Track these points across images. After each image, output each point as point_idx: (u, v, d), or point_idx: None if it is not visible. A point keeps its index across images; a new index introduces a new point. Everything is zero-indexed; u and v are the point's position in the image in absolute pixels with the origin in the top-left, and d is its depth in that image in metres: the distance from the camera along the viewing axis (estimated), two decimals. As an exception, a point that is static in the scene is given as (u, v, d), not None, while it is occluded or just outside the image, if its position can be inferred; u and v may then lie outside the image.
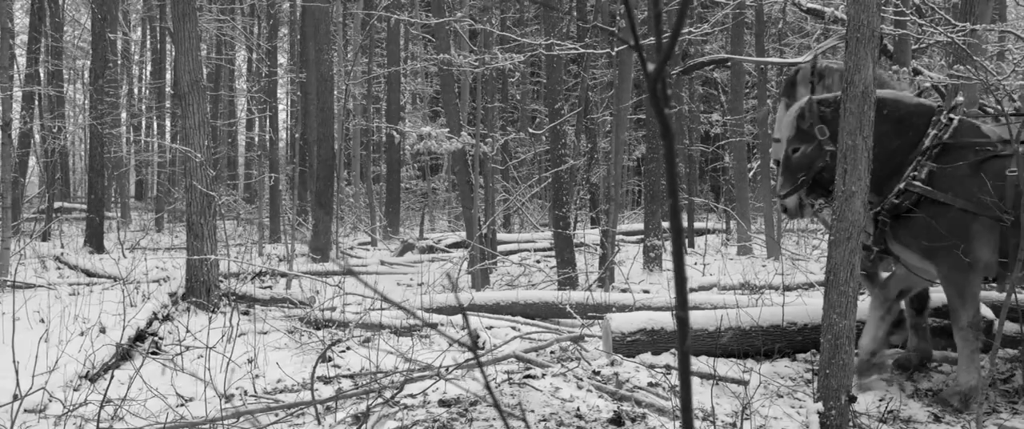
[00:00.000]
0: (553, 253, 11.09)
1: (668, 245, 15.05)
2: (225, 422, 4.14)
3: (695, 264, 11.54)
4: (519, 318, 6.84)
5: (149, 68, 25.42)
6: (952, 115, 4.55)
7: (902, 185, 4.41)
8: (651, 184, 11.99)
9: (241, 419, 4.19)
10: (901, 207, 4.42)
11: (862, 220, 3.66)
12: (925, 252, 4.44)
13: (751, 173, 17.73)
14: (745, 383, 4.72)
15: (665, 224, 12.24)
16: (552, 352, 5.66)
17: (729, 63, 13.67)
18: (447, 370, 4.72)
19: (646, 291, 8.70)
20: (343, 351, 5.68)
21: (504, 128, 17.77)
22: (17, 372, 4.19)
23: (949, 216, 4.34)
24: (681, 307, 0.66)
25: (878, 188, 4.41)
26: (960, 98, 4.76)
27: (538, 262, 12.36)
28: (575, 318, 6.82)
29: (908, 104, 4.64)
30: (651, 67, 0.60)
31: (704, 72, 19.37)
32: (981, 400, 4.03)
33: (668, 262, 12.52)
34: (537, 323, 6.76)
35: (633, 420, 4.28)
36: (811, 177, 4.59)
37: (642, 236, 12.54)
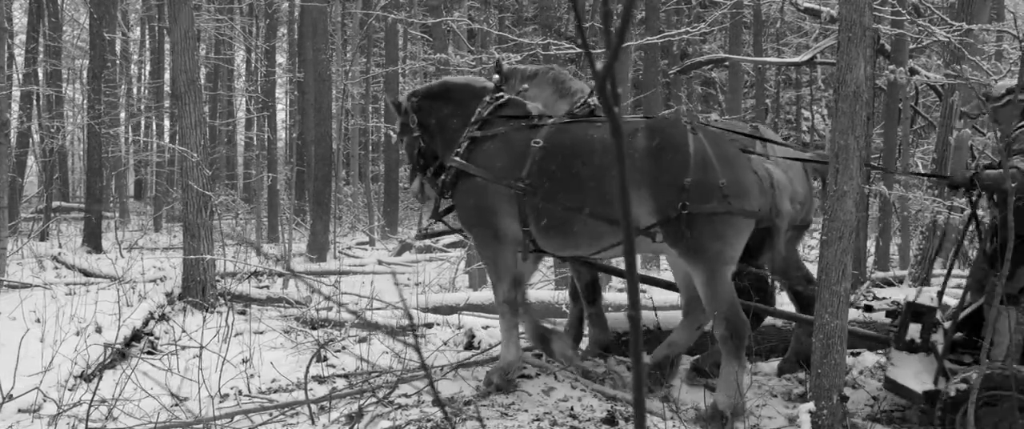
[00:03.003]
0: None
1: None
2: (219, 421, 4.15)
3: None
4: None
5: (148, 68, 25.41)
6: (500, 94, 4.80)
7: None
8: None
9: (235, 418, 4.20)
10: (446, 183, 4.67)
11: (854, 220, 3.67)
12: (463, 225, 4.81)
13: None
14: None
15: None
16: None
17: (727, 63, 13.68)
18: (441, 370, 4.73)
19: (643, 290, 8.69)
20: (339, 350, 5.69)
21: (502, 128, 17.71)
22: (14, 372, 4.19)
23: (476, 188, 4.54)
24: (633, 307, 0.67)
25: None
26: (522, 82, 4.99)
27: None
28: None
29: (474, 88, 4.97)
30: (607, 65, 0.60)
31: (702, 71, 19.37)
32: (516, 374, 4.48)
33: (665, 261, 12.51)
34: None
35: (627, 419, 4.28)
36: (418, 163, 5.02)
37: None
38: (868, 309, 5.01)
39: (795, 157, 4.91)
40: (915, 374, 4.08)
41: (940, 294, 4.50)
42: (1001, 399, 3.75)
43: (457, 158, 4.59)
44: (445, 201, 4.94)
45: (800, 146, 23.74)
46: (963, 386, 3.80)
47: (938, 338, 4.28)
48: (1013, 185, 3.89)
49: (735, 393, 4.14)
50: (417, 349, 0.73)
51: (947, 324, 4.29)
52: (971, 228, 4.54)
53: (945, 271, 4.71)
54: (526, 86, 4.97)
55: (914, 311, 4.33)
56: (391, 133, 15.75)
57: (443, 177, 4.68)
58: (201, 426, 4.01)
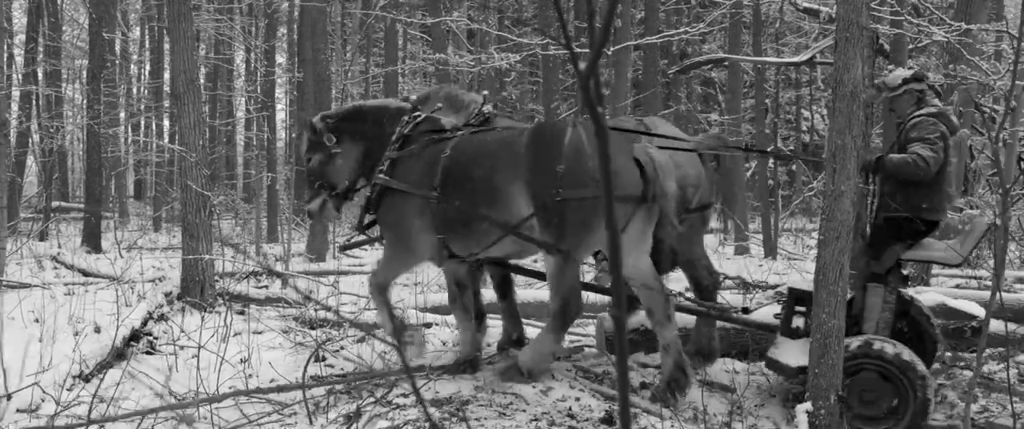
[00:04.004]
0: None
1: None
2: (217, 419, 4.15)
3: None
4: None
5: (148, 68, 25.40)
6: (417, 113, 5.17)
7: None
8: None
9: (235, 414, 4.20)
10: (371, 199, 5.05)
11: (851, 219, 3.67)
12: (384, 236, 5.19)
13: (749, 173, 17.72)
14: (732, 389, 4.74)
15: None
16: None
17: (726, 62, 13.68)
18: (439, 370, 4.73)
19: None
20: (337, 350, 5.69)
21: (502, 128, 17.72)
22: (4, 372, 4.19)
23: (396, 203, 4.92)
24: (618, 307, 0.67)
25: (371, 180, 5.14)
26: (436, 102, 5.31)
27: (536, 261, 12.35)
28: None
29: (390, 109, 5.29)
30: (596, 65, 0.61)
31: (702, 72, 19.37)
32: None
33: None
34: (533, 323, 6.76)
35: (624, 419, 4.28)
36: (328, 182, 5.25)
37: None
38: (746, 311, 5.19)
39: (679, 148, 4.96)
40: (793, 353, 4.35)
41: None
42: (864, 368, 4.07)
43: (381, 175, 4.94)
44: (369, 215, 5.27)
45: (800, 146, 23.73)
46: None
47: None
48: (916, 169, 4.25)
49: (540, 358, 4.62)
50: (400, 351, 0.73)
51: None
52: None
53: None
54: (440, 105, 5.30)
55: (796, 296, 4.59)
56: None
57: (369, 194, 5.05)
58: (193, 410, 4.01)
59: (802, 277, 4.66)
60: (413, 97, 5.40)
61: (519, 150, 4.56)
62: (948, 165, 4.45)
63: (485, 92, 5.74)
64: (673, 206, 4.41)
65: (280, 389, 4.55)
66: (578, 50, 10.58)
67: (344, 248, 5.87)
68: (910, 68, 4.84)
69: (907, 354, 4.08)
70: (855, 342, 4.10)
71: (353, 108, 5.46)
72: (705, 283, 5.17)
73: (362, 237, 5.48)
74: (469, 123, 5.09)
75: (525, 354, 4.67)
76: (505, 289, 5.51)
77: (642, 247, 4.54)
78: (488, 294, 6.79)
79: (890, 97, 4.62)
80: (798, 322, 4.59)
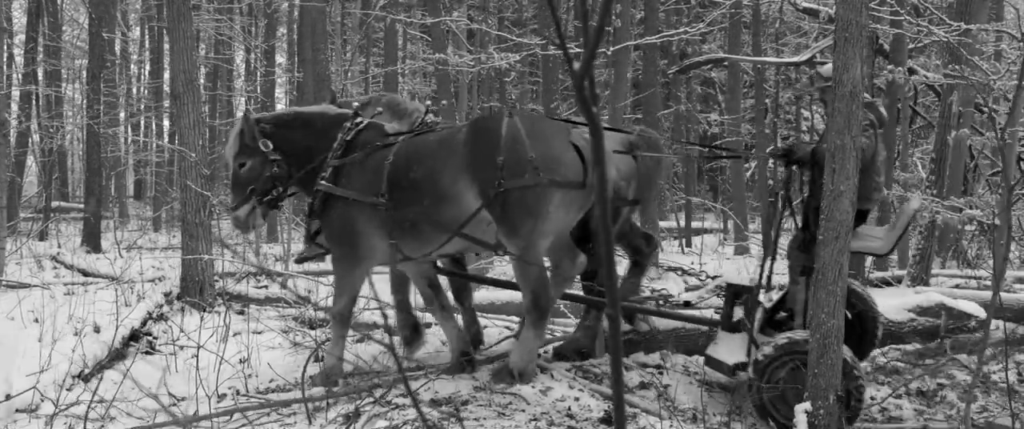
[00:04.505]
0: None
1: (665, 244, 15.05)
2: (217, 420, 4.15)
3: (692, 264, 11.53)
4: (513, 317, 6.84)
5: (148, 68, 25.39)
6: (359, 119, 5.04)
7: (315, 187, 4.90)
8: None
9: (233, 417, 4.20)
10: (314, 207, 4.91)
11: (850, 219, 3.67)
12: (330, 244, 5.06)
13: (748, 173, 17.73)
14: (732, 390, 4.75)
15: (662, 223, 12.24)
16: (545, 351, 5.66)
17: (726, 62, 13.68)
18: (436, 369, 4.73)
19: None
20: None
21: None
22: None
23: (342, 210, 4.83)
24: (612, 305, 0.67)
25: (308, 191, 5.02)
26: (376, 107, 5.26)
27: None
28: (569, 317, 6.82)
29: (330, 116, 5.15)
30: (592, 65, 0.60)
31: (702, 71, 19.37)
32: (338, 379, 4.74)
33: (662, 261, 12.51)
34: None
35: (624, 419, 4.28)
36: (260, 187, 5.04)
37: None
38: (687, 305, 5.28)
39: (610, 128, 5.12)
40: (730, 350, 4.44)
41: (761, 274, 4.79)
42: (795, 363, 4.10)
43: (324, 182, 4.84)
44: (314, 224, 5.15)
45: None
46: (769, 351, 4.15)
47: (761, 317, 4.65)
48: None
49: (529, 358, 4.59)
50: (392, 351, 0.73)
51: (769, 304, 4.73)
52: (785, 204, 4.83)
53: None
54: (380, 110, 5.24)
55: (734, 291, 4.66)
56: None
57: (311, 201, 4.91)
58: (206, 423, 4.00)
59: (737, 271, 4.77)
60: (355, 103, 5.33)
61: (458, 146, 4.58)
62: (878, 155, 4.59)
63: (428, 102, 5.77)
64: (610, 191, 4.48)
65: (272, 404, 4.55)
66: (579, 50, 10.60)
67: (301, 260, 5.71)
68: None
69: (849, 355, 4.07)
70: (782, 339, 4.19)
71: (290, 113, 5.31)
72: (644, 248, 5.28)
73: (318, 248, 5.34)
74: (412, 130, 5.06)
75: (515, 356, 4.66)
76: (462, 293, 5.52)
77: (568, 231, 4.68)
78: (487, 294, 6.80)
79: (822, 87, 4.75)
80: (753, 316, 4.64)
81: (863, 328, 4.83)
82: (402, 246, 4.78)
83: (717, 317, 4.83)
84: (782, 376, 4.13)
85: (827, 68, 4.76)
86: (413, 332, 5.50)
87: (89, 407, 4.11)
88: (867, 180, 4.50)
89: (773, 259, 4.69)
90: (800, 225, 4.74)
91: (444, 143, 4.67)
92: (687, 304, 5.26)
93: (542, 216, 4.41)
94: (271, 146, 5.00)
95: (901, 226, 4.54)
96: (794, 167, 4.69)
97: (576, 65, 0.62)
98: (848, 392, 3.92)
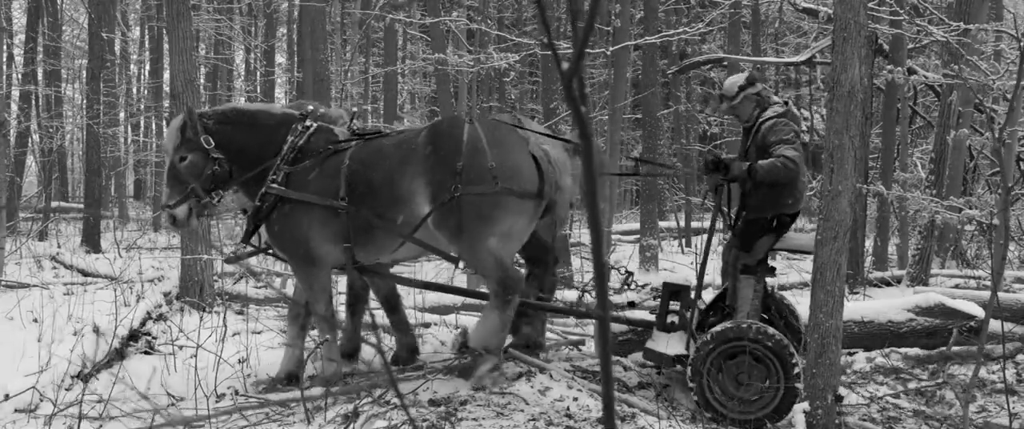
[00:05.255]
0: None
1: (664, 244, 15.06)
2: (216, 420, 4.15)
3: (690, 264, 11.54)
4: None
5: (148, 67, 25.40)
6: (309, 123, 4.83)
7: (263, 189, 4.67)
8: (647, 183, 11.99)
9: (232, 416, 4.20)
10: (263, 211, 4.69)
11: (848, 219, 3.67)
12: (281, 250, 4.81)
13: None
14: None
15: (662, 223, 12.24)
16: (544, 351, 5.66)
17: (725, 62, 13.67)
18: (435, 369, 4.73)
19: (641, 289, 8.69)
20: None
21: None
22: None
23: (295, 215, 4.65)
24: (602, 307, 0.67)
25: (252, 195, 4.79)
26: (316, 108, 5.11)
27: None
28: (568, 317, 6.82)
29: (276, 115, 4.95)
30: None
31: (701, 71, 19.36)
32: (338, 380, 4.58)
33: (665, 261, 12.52)
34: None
35: (623, 419, 4.29)
36: (202, 185, 4.78)
37: (639, 235, 12.54)
38: (631, 305, 5.39)
39: (554, 137, 5.04)
40: (669, 343, 4.60)
41: (700, 276, 4.94)
42: (740, 351, 4.29)
43: (276, 185, 4.65)
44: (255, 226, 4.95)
45: (800, 146, 23.70)
46: (708, 342, 4.33)
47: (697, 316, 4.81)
48: (787, 171, 4.48)
49: (489, 333, 4.49)
50: (380, 351, 0.73)
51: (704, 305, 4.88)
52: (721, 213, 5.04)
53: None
54: (323, 110, 5.10)
55: (671, 291, 4.77)
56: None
57: (258, 203, 4.70)
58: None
59: (672, 271, 4.92)
60: (310, 107, 5.15)
61: (418, 149, 4.53)
62: (804, 160, 4.76)
63: (354, 109, 5.67)
64: (567, 200, 4.50)
65: (270, 403, 4.55)
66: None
67: (229, 261, 5.36)
68: (742, 70, 5.11)
69: (779, 335, 4.31)
70: (730, 326, 4.34)
71: (234, 111, 5.03)
72: (544, 275, 5.21)
73: (249, 249, 5.09)
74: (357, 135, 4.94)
75: (475, 335, 4.59)
76: (394, 302, 5.39)
77: (521, 241, 4.66)
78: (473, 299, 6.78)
79: (731, 105, 4.88)
80: (681, 317, 4.78)
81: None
82: (360, 252, 4.69)
83: (651, 317, 4.96)
84: (719, 364, 4.32)
85: (730, 83, 4.90)
86: (352, 348, 5.34)
87: (80, 406, 4.11)
88: (797, 185, 4.67)
89: (705, 263, 4.86)
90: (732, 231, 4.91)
91: (402, 146, 4.62)
92: (631, 304, 5.32)
93: (491, 220, 4.40)
94: (213, 143, 4.77)
95: None
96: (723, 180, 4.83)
97: (565, 65, 0.62)
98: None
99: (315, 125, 4.84)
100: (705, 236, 5.03)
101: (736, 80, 4.88)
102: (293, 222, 4.66)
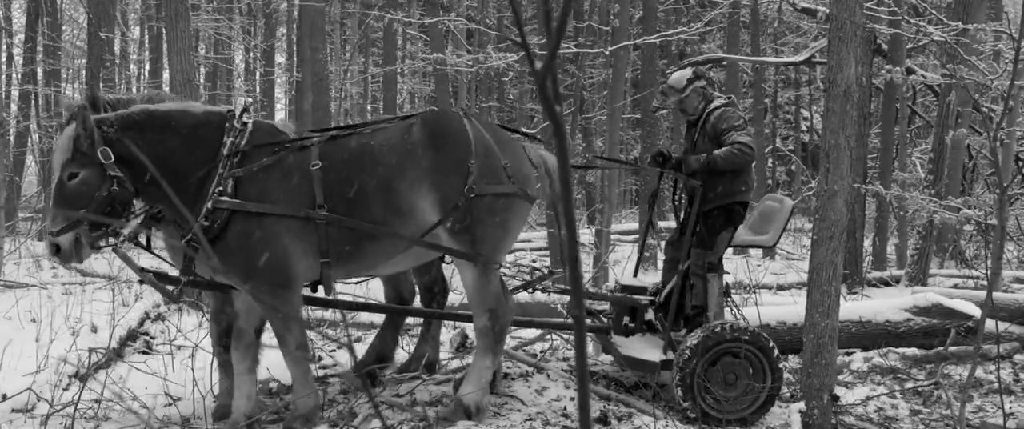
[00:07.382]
0: (548, 252, 11.09)
1: (664, 244, 15.03)
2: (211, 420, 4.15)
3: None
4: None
5: (147, 67, 25.40)
6: (245, 120, 4.06)
7: (209, 204, 3.84)
8: (647, 184, 11.98)
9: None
10: (213, 229, 3.85)
11: (844, 219, 3.67)
12: (243, 274, 3.88)
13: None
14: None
15: (661, 223, 12.24)
16: (542, 351, 5.67)
17: (725, 62, 13.68)
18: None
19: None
20: (334, 350, 5.69)
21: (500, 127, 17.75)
22: None
23: (265, 228, 3.90)
24: (577, 306, 0.67)
25: (191, 207, 3.87)
26: (250, 101, 4.72)
27: (534, 261, 12.35)
28: (567, 318, 6.82)
29: (196, 114, 4.06)
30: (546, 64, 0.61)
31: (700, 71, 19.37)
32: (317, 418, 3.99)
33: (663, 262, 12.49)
34: (529, 319, 6.75)
35: (619, 419, 4.29)
36: (95, 208, 3.76)
37: (638, 235, 12.53)
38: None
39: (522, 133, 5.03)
40: (644, 349, 4.62)
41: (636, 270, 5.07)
42: (726, 353, 4.29)
43: (225, 198, 3.85)
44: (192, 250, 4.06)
45: (800, 146, 23.72)
46: (694, 343, 4.28)
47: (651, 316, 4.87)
48: (744, 156, 4.51)
49: (483, 389, 4.13)
50: (350, 349, 0.73)
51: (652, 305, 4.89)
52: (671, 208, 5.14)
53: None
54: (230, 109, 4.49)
55: (630, 306, 4.81)
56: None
57: (207, 223, 3.83)
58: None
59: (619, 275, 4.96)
60: (246, 100, 4.81)
61: (415, 149, 4.05)
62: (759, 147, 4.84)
63: (249, 99, 5.33)
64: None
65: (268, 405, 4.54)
66: (579, 50, 10.57)
67: (186, 285, 4.16)
68: (685, 67, 5.18)
69: (754, 329, 4.34)
70: (709, 333, 4.30)
71: (144, 113, 3.94)
72: (436, 288, 5.10)
73: (196, 278, 4.15)
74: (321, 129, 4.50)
75: (466, 390, 4.13)
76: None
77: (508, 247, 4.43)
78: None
79: (680, 98, 4.91)
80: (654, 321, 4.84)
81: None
82: (339, 267, 4.06)
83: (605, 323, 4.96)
84: (706, 367, 4.29)
85: (677, 77, 4.95)
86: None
87: (75, 407, 4.11)
88: (749, 174, 4.76)
89: (640, 259, 4.96)
90: (680, 228, 4.94)
91: (395, 146, 4.07)
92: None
93: (510, 230, 4.18)
94: (111, 157, 3.77)
95: (782, 221, 4.81)
96: (672, 174, 4.91)
97: (538, 65, 0.63)
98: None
99: (252, 121, 4.08)
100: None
101: (684, 74, 4.95)
102: (261, 240, 3.87)
